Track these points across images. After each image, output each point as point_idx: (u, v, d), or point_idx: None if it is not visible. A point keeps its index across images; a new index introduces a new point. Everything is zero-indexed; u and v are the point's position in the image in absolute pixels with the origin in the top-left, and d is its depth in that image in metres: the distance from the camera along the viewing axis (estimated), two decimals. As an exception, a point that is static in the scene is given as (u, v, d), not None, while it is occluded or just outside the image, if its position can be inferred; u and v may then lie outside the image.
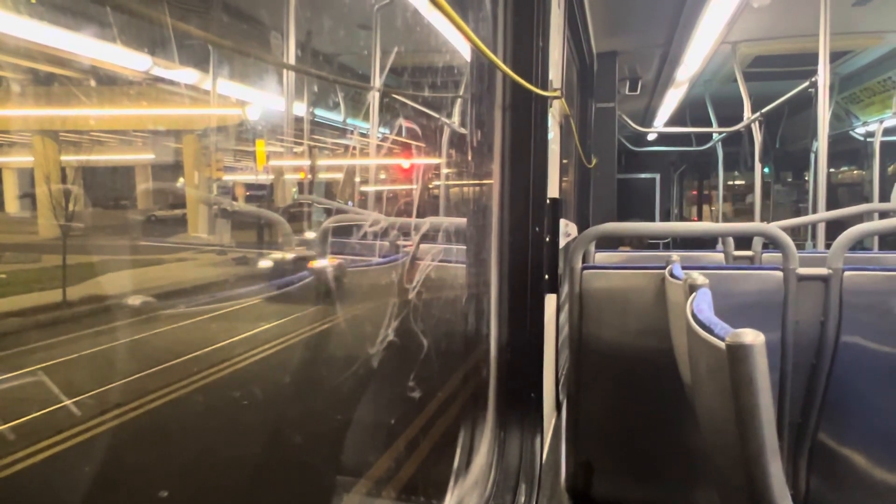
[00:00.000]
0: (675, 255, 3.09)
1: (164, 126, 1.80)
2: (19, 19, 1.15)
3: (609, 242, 5.67)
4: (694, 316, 1.47)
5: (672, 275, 2.32)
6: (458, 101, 2.39)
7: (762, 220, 8.48)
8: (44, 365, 1.31)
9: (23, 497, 1.35)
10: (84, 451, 1.39)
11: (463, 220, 1.82)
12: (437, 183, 2.65)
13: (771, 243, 2.88)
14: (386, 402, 1.82)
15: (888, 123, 8.12)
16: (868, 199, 8.95)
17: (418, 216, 1.77)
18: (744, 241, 3.99)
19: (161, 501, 1.33)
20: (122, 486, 1.42)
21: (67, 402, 1.34)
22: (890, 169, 9.52)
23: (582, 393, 2.77)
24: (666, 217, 13.98)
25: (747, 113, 7.17)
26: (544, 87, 1.68)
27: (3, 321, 1.38)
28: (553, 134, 1.90)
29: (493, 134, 1.70)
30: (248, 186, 2.46)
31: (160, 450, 1.59)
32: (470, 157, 1.73)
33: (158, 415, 1.61)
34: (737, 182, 13.61)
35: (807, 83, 4.98)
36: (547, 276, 1.81)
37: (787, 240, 2.61)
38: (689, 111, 10.14)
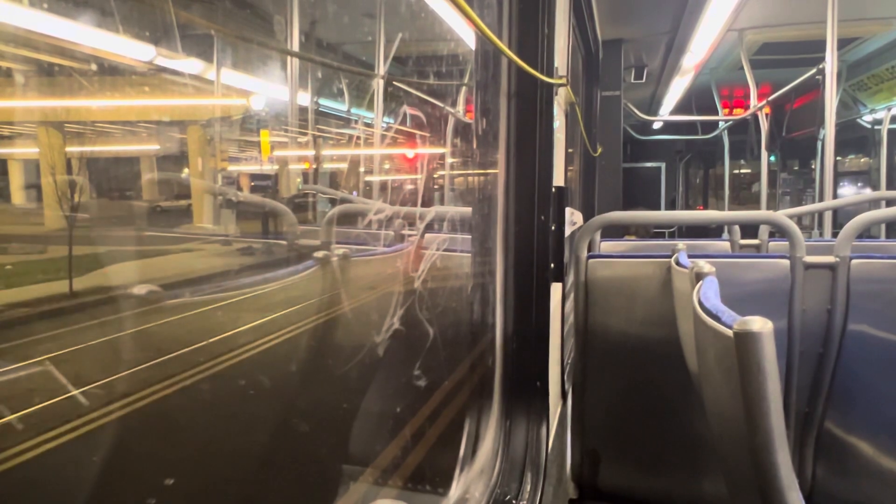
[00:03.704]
0: (681, 244, 3.08)
1: (169, 117, 1.79)
2: (23, 9, 1.15)
3: (614, 231, 5.66)
4: (701, 304, 1.47)
5: (678, 263, 2.31)
6: (463, 89, 2.38)
7: (768, 208, 8.44)
8: (53, 355, 1.32)
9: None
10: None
11: (468, 210, 1.82)
12: (441, 172, 2.64)
13: (777, 231, 2.86)
14: (392, 391, 1.82)
15: (896, 111, 8.06)
16: (875, 187, 8.90)
17: (423, 205, 1.76)
18: (750, 229, 3.97)
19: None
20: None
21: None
22: (898, 157, 9.46)
23: (588, 382, 2.77)
24: (671, 206, 13.93)
25: (754, 101, 7.12)
26: (550, 74, 1.67)
27: (10, 311, 1.38)
28: (558, 122, 1.89)
29: (499, 122, 1.69)
30: (253, 177, 2.46)
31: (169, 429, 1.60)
32: (475, 146, 1.72)
33: (153, 409, 1.62)
34: (742, 171, 13.54)
35: (814, 70, 4.93)
36: (552, 265, 1.80)
37: (794, 228, 2.60)
38: (695, 99, 10.08)
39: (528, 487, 1.64)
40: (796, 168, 12.57)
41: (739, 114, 8.37)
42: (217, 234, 2.02)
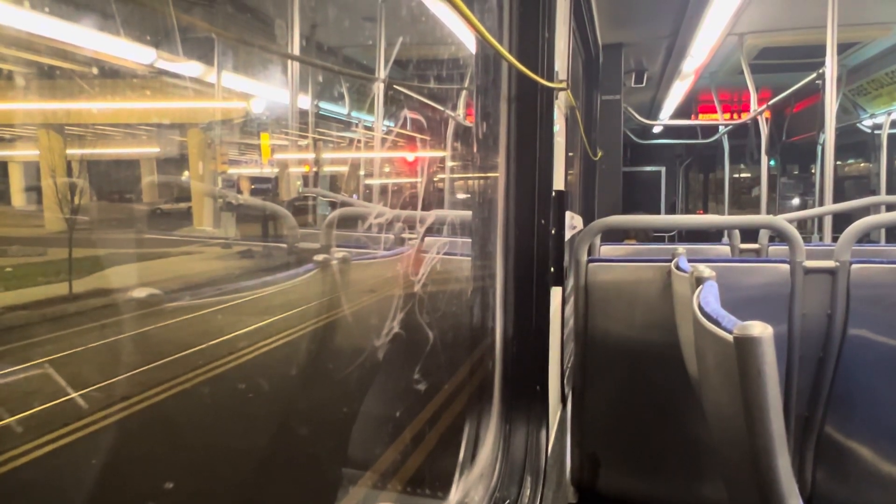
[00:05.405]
0: (681, 248, 3.08)
1: (169, 119, 1.79)
2: (23, 11, 1.15)
3: (614, 235, 5.66)
4: (701, 308, 1.47)
5: (678, 268, 2.31)
6: (464, 93, 2.38)
7: (768, 212, 8.45)
8: (54, 357, 1.32)
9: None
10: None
11: (468, 213, 1.82)
12: (441, 176, 2.64)
13: (777, 236, 2.86)
14: (392, 395, 1.82)
15: (896, 115, 8.07)
16: (875, 192, 8.90)
17: (423, 209, 1.76)
18: (750, 233, 3.97)
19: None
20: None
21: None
22: (897, 161, 9.47)
23: (587, 386, 2.77)
24: (671, 210, 13.94)
25: (754, 105, 7.13)
26: (550, 78, 1.67)
27: (10, 314, 1.38)
28: (559, 126, 1.89)
29: (499, 126, 1.69)
30: (253, 180, 2.46)
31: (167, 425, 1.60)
32: (475, 150, 1.72)
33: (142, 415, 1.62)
34: (742, 175, 13.56)
35: (814, 75, 4.94)
36: (552, 269, 1.80)
37: (794, 232, 2.60)
38: (695, 104, 10.10)
39: (528, 491, 1.64)
40: (796, 172, 12.58)
41: (739, 118, 8.37)
42: (217, 237, 2.02)
